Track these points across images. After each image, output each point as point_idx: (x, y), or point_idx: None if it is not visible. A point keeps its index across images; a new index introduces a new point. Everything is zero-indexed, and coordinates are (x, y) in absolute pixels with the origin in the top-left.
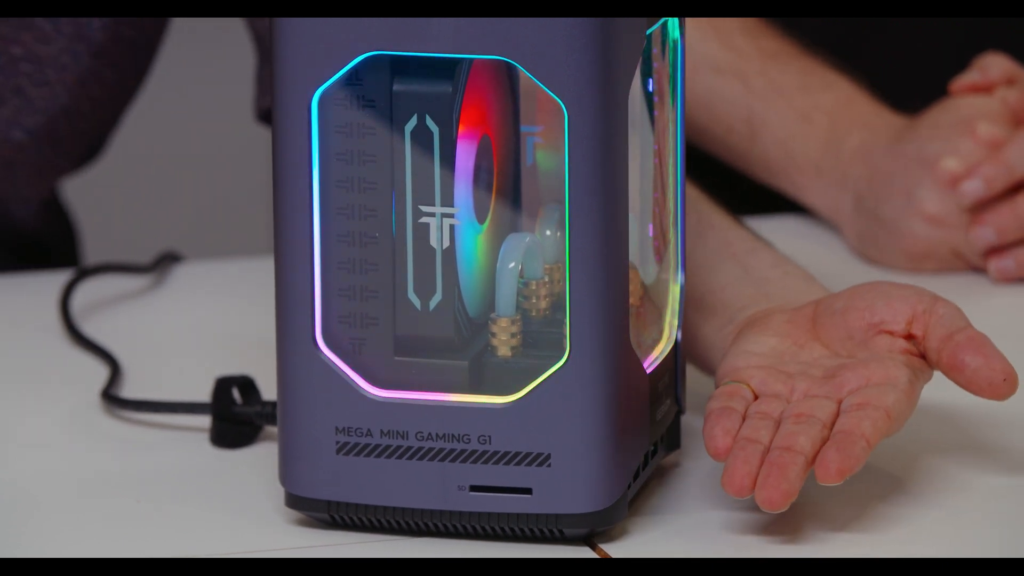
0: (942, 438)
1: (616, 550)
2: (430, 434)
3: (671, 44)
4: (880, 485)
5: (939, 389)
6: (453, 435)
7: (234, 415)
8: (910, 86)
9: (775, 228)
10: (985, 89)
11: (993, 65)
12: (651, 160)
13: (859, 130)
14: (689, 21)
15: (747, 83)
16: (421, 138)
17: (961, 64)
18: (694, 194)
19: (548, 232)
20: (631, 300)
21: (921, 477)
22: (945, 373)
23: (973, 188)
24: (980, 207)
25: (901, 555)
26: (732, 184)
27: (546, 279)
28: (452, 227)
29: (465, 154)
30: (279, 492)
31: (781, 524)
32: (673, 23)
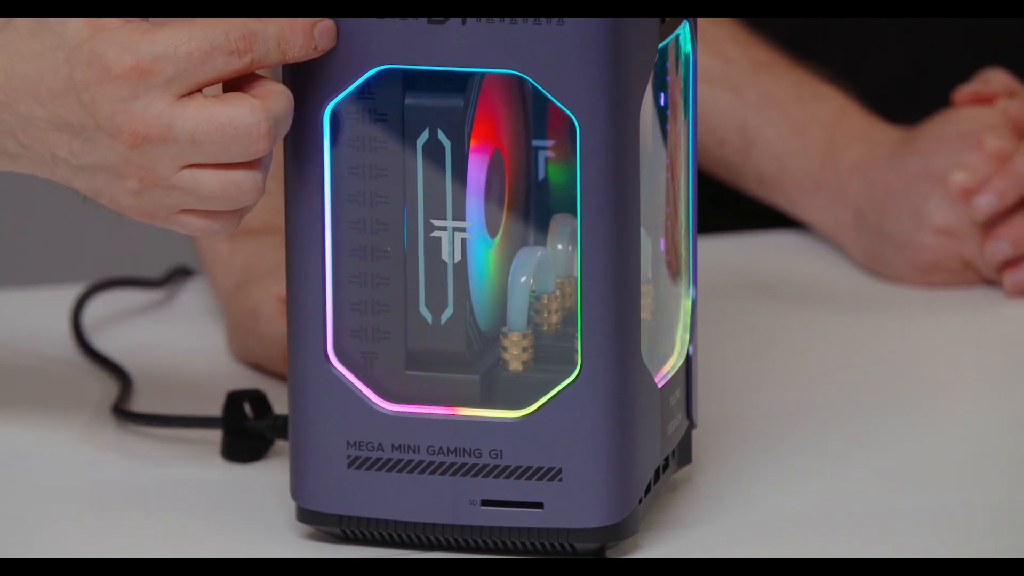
0: (949, 445)
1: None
2: (441, 448)
3: (683, 58)
4: (897, 499)
5: (941, 396)
6: (464, 449)
7: (245, 429)
8: (901, 94)
9: (772, 243)
10: (987, 100)
11: (994, 78)
12: (663, 174)
13: (857, 144)
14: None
15: (740, 94)
16: (433, 152)
17: (952, 73)
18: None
19: (559, 246)
20: (643, 314)
21: (928, 484)
22: None
23: (987, 202)
24: (993, 220)
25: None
26: (725, 197)
27: (557, 293)
28: (464, 241)
29: (477, 168)
30: (290, 506)
31: (794, 538)
32: (685, 36)
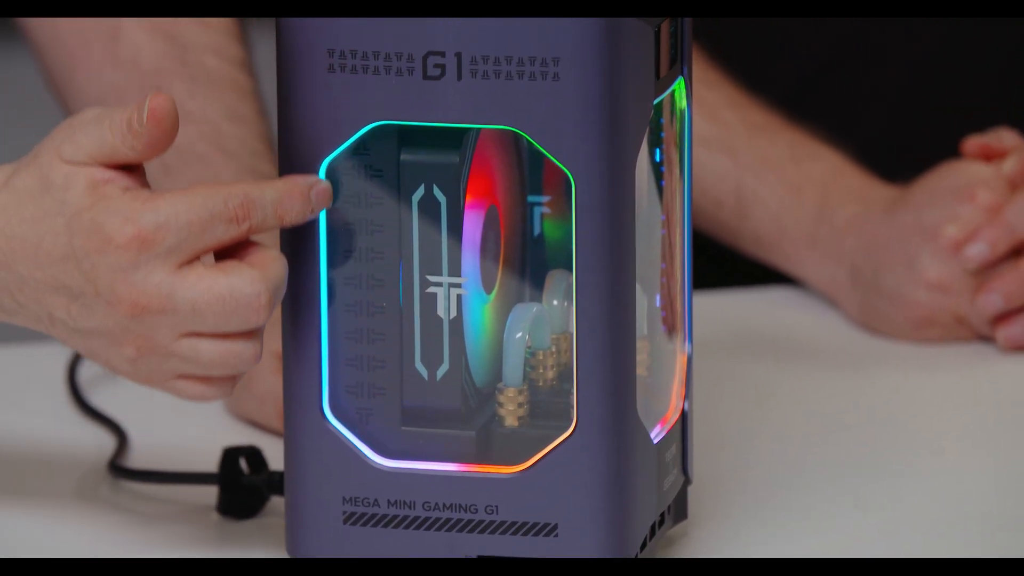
0: (946, 503)
1: None
2: (437, 504)
3: (678, 114)
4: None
5: (938, 454)
6: (460, 505)
7: (241, 485)
8: (894, 157)
9: (767, 299)
10: (996, 155)
11: (1006, 136)
12: (659, 230)
13: (851, 201)
14: None
15: (736, 156)
16: (428, 208)
17: (946, 137)
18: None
19: (555, 302)
20: (638, 370)
21: (923, 542)
22: None
23: (977, 251)
24: (985, 273)
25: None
26: (722, 256)
27: (553, 349)
28: (459, 297)
29: (472, 224)
30: None
31: None
32: (680, 92)
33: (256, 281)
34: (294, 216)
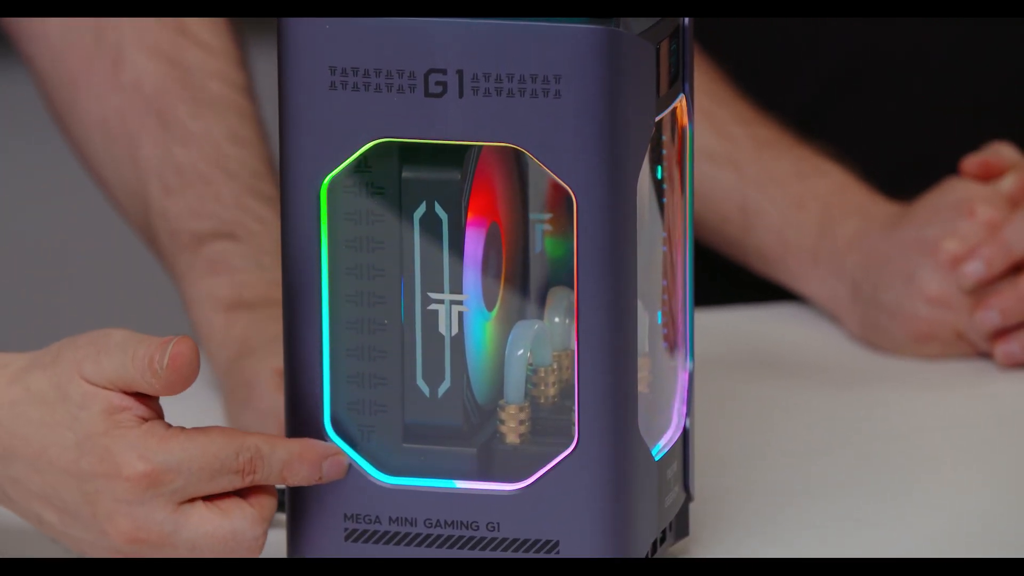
0: (947, 520)
1: None
2: (439, 521)
3: (680, 131)
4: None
5: (940, 472)
6: (462, 522)
7: None
8: (907, 177)
9: (769, 316)
10: (995, 172)
11: (1003, 151)
12: (660, 247)
13: (853, 217)
14: None
15: (741, 172)
16: (430, 225)
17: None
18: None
19: (557, 319)
20: (640, 387)
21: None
22: None
23: (974, 270)
24: (982, 289)
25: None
26: (726, 269)
27: (555, 366)
28: (461, 314)
29: (474, 241)
30: None
31: None
32: (682, 109)
33: (256, 523)
34: (299, 480)
